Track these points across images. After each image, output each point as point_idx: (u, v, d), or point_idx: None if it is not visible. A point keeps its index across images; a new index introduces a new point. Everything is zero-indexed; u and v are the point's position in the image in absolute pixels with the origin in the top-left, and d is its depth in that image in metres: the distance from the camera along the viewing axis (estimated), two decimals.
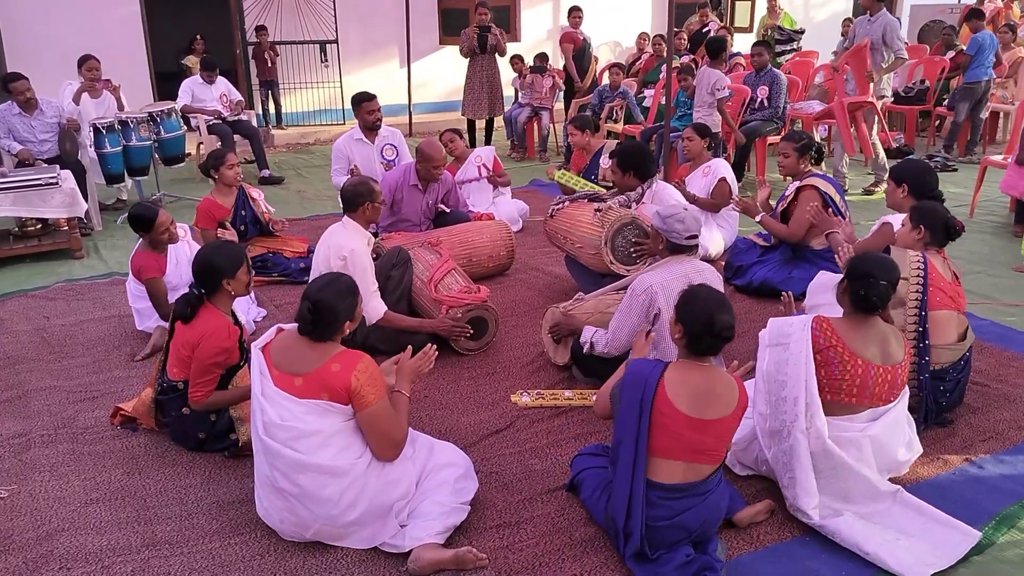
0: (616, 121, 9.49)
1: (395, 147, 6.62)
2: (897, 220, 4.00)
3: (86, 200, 6.50)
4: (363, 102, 6.44)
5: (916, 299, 3.47)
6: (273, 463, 2.75)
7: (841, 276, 3.14)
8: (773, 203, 5.49)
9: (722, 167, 5.97)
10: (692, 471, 2.69)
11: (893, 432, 3.06)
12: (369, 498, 2.77)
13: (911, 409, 3.44)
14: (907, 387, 3.13)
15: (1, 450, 3.55)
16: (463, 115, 9.89)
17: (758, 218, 5.28)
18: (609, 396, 2.89)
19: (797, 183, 5.12)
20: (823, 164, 5.77)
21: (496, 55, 9.62)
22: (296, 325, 2.85)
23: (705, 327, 2.66)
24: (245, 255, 3.50)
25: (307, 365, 2.75)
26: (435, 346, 3.15)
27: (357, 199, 4.23)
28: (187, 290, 3.44)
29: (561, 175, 6.12)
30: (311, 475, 2.71)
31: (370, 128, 6.46)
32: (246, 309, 4.85)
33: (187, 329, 3.36)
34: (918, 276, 3.48)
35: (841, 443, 2.93)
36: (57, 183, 6.12)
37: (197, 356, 3.32)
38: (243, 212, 5.52)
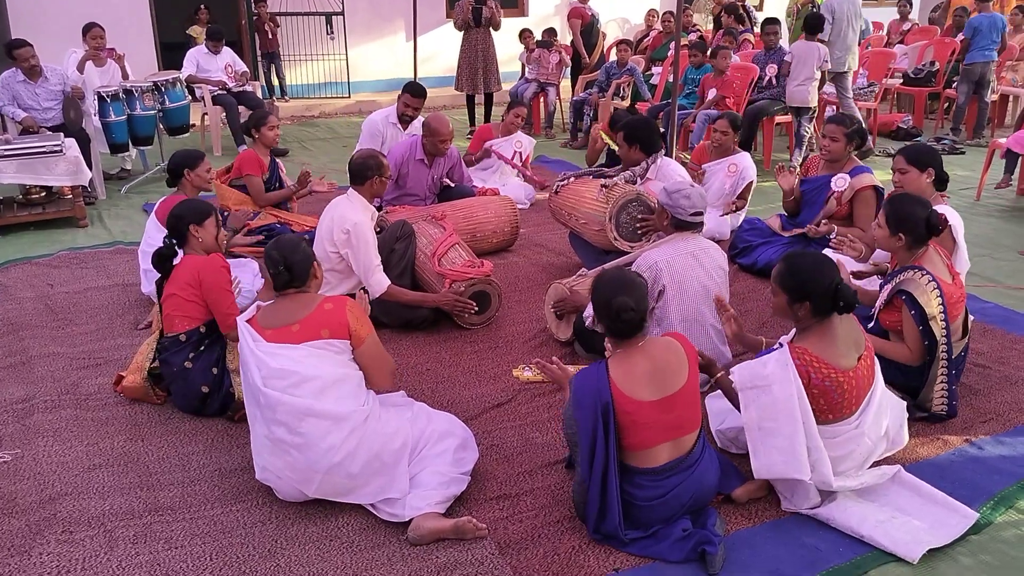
0: (623, 98, 9.42)
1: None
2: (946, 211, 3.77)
3: (90, 169, 6.49)
4: (408, 93, 6.22)
5: (944, 332, 3.32)
6: (274, 416, 2.78)
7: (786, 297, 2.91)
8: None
9: (750, 169, 5.77)
10: (676, 447, 2.70)
11: (880, 410, 3.02)
12: (369, 449, 2.80)
13: (935, 417, 3.45)
14: (876, 361, 3.02)
15: (5, 415, 3.58)
16: (456, 90, 9.76)
17: (811, 230, 4.80)
18: (563, 423, 2.82)
19: (845, 176, 4.81)
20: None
21: (491, 28, 9.50)
22: (274, 301, 2.97)
23: (605, 311, 2.68)
24: (215, 210, 3.72)
25: (302, 312, 2.87)
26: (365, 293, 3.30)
27: (366, 172, 4.22)
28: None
29: (606, 135, 6.03)
30: (313, 421, 2.75)
31: (402, 118, 6.37)
32: (250, 280, 4.85)
33: (176, 276, 3.52)
34: (942, 313, 3.31)
35: (839, 444, 2.88)
36: (61, 151, 6.11)
37: (208, 287, 3.48)
38: (276, 175, 5.73)
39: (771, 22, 8.16)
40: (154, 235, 4.57)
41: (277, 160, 5.87)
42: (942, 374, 3.39)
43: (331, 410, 2.77)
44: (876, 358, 3.03)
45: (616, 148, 5.59)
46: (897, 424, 3.09)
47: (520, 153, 6.91)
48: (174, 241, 3.60)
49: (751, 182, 5.77)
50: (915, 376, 3.42)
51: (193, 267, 3.51)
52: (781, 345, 2.88)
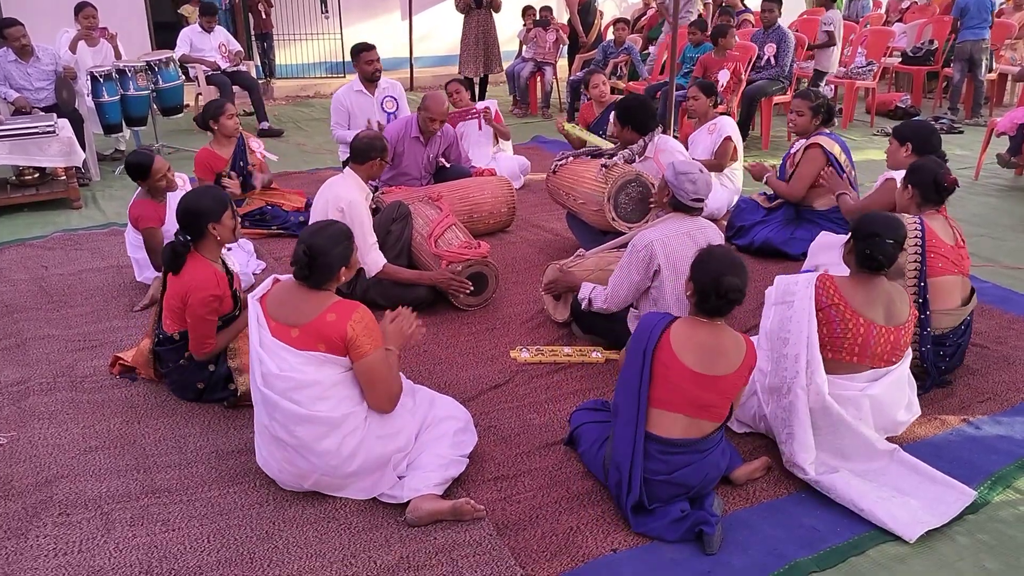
0: (620, 78, 9.36)
1: (395, 99, 6.54)
2: (900, 177, 3.94)
3: (84, 150, 6.44)
4: (361, 52, 6.35)
5: (915, 267, 3.43)
6: (272, 414, 2.75)
7: (846, 236, 3.11)
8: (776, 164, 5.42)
9: (728, 126, 5.89)
10: (693, 427, 2.69)
11: (893, 393, 3.06)
12: (367, 450, 2.77)
13: (914, 376, 3.44)
14: (910, 349, 3.11)
15: (0, 397, 3.56)
16: (460, 73, 9.71)
17: (765, 178, 5.21)
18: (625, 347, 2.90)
19: (804, 141, 5.04)
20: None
21: (491, 10, 9.42)
22: (291, 277, 2.84)
23: (712, 287, 2.66)
24: (230, 199, 3.47)
25: (303, 316, 2.73)
26: (416, 313, 3.07)
27: (370, 152, 4.19)
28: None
29: (572, 127, 6.04)
30: (309, 427, 2.71)
31: (369, 79, 6.36)
32: (245, 262, 4.83)
33: (176, 281, 3.34)
34: (916, 244, 3.43)
35: (840, 401, 2.94)
36: (54, 132, 6.06)
37: (189, 310, 3.30)
38: (241, 163, 5.49)
39: None
40: (133, 237, 4.52)
41: (247, 143, 5.55)
42: (914, 343, 3.40)
43: (328, 417, 2.71)
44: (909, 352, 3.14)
45: (590, 140, 5.58)
46: (903, 420, 3.17)
47: (488, 108, 6.78)
48: (189, 238, 3.35)
49: (728, 137, 5.81)
50: None
51: (187, 284, 3.29)
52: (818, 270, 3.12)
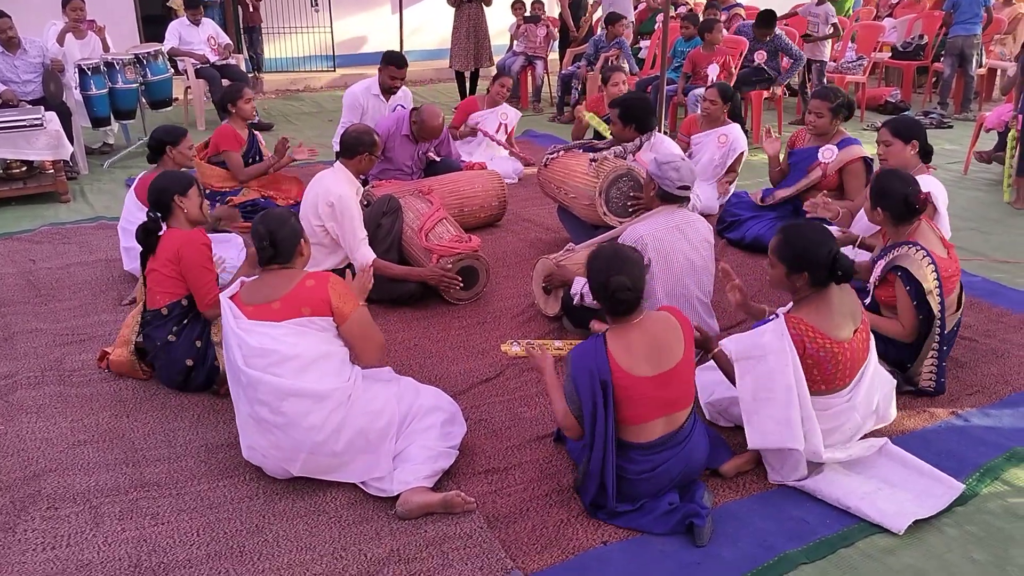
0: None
1: (404, 107, 6.49)
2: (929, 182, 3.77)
3: (72, 143, 6.39)
4: (391, 65, 6.15)
5: (939, 306, 3.32)
6: (255, 395, 2.75)
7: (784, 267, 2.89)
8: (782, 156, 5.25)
9: (741, 140, 5.74)
10: (669, 422, 2.70)
11: (872, 385, 3.03)
12: (353, 427, 2.78)
13: (924, 393, 3.46)
14: (871, 337, 3.03)
15: None
16: (451, 67, 9.68)
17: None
18: (566, 398, 2.76)
19: (832, 147, 4.80)
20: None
21: (482, 4, 9.39)
22: (257, 276, 2.94)
23: (601, 289, 2.65)
24: (196, 181, 3.65)
25: (283, 289, 2.83)
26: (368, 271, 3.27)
27: (358, 147, 4.17)
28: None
29: (592, 117, 5.99)
30: (293, 400, 2.72)
31: (387, 90, 6.31)
32: (236, 255, 4.80)
33: (160, 250, 3.46)
34: (937, 288, 3.30)
35: (831, 416, 2.89)
36: (42, 124, 6.01)
37: (187, 264, 3.42)
38: (254, 148, 5.67)
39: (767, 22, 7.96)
40: (134, 212, 4.51)
41: (256, 133, 5.81)
42: (933, 350, 3.39)
43: (312, 389, 2.74)
44: (871, 333, 3.03)
45: (603, 132, 5.55)
46: (886, 400, 3.10)
47: (505, 125, 6.85)
48: (159, 215, 3.53)
49: (742, 153, 5.73)
50: (906, 350, 3.43)
51: (174, 243, 3.45)
52: (777, 315, 2.88)
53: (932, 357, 3.40)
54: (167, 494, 2.89)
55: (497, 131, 6.81)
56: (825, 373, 2.83)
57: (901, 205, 3.36)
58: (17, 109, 6.31)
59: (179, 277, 3.45)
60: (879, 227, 3.64)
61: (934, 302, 3.30)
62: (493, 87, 6.90)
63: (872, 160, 4.73)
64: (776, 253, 2.89)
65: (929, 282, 3.29)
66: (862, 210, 3.76)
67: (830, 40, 8.90)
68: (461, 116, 6.98)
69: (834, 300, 2.86)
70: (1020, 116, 6.06)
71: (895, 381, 3.20)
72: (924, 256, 3.31)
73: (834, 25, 8.77)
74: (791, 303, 3.01)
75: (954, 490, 2.87)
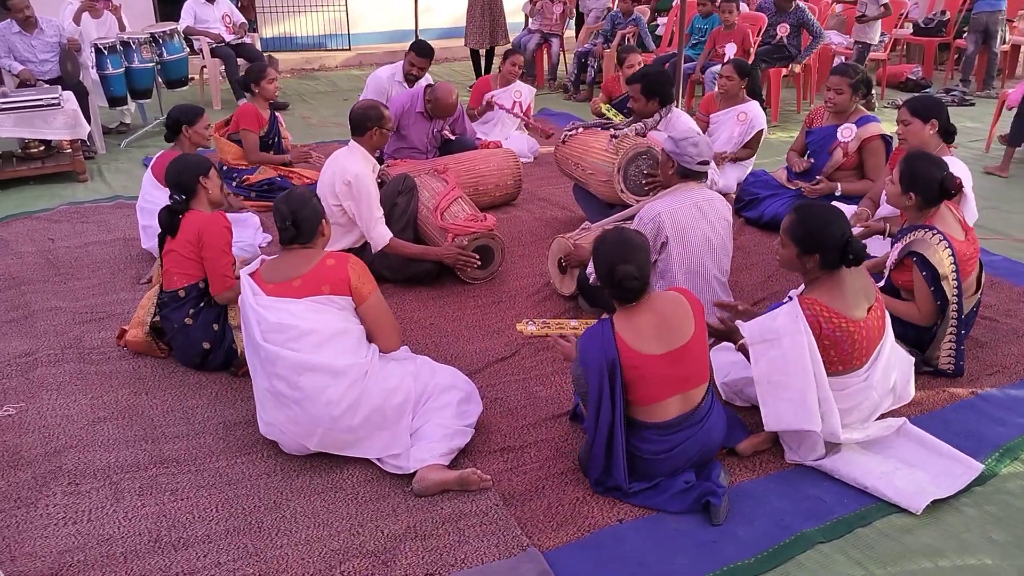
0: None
1: None
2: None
3: (89, 123, 6.41)
4: (413, 52, 6.14)
5: (955, 291, 3.29)
6: (273, 370, 2.77)
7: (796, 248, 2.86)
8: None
9: (760, 117, 5.67)
10: (685, 401, 2.69)
11: (889, 363, 3.00)
12: (369, 403, 2.79)
13: (942, 373, 3.43)
14: (887, 315, 3.00)
15: (8, 368, 3.57)
16: (465, 45, 9.62)
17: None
18: (574, 382, 2.77)
19: (851, 126, 4.77)
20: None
21: None
22: (278, 255, 2.95)
23: (608, 277, 2.63)
24: (214, 164, 3.66)
25: (303, 267, 2.85)
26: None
27: (366, 123, 4.15)
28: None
29: (607, 108, 5.97)
30: (311, 375, 2.74)
31: (409, 78, 6.27)
32: (252, 235, 4.82)
33: (181, 232, 3.47)
34: (954, 272, 3.27)
35: (848, 396, 2.88)
36: (59, 104, 6.03)
37: (207, 246, 3.43)
38: (275, 130, 5.70)
39: None
40: (151, 191, 4.52)
41: (277, 114, 5.82)
42: (951, 333, 3.36)
43: (329, 364, 2.75)
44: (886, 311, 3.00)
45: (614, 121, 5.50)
46: (904, 379, 3.08)
47: (520, 103, 6.81)
48: (183, 196, 3.52)
49: (761, 130, 5.67)
50: (924, 332, 3.41)
51: (195, 224, 3.46)
52: (791, 298, 2.86)
53: (950, 340, 3.37)
54: (186, 470, 2.91)
55: (512, 109, 6.78)
56: (842, 353, 2.81)
57: (935, 190, 3.30)
58: (35, 89, 6.33)
59: (198, 259, 3.47)
60: (901, 211, 3.59)
61: (949, 288, 3.27)
62: (504, 66, 6.85)
63: (891, 138, 4.67)
64: (788, 233, 2.86)
65: (945, 267, 3.25)
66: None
67: (880, 22, 8.62)
68: (477, 96, 6.94)
69: (846, 280, 2.82)
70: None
71: (913, 359, 3.17)
72: (941, 240, 3.27)
73: (885, 5, 8.51)
74: (803, 286, 2.98)
75: (973, 470, 2.85)
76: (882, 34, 9.13)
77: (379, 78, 6.31)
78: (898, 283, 3.45)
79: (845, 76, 4.77)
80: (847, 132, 4.77)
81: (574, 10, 10.06)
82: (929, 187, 3.31)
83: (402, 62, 6.25)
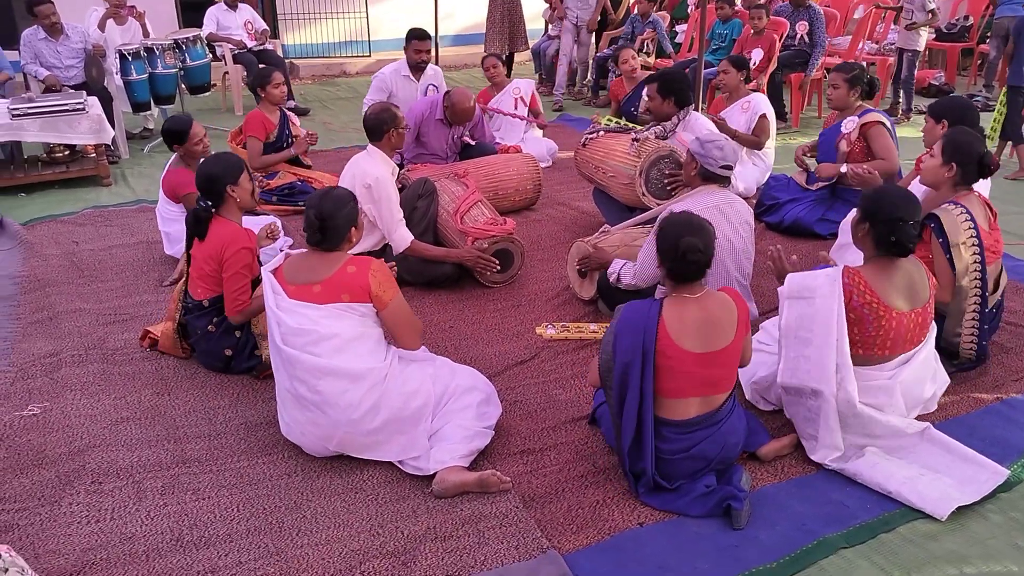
0: (648, 54, 9.24)
1: (436, 87, 6.49)
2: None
3: (113, 128, 6.49)
4: (413, 39, 6.24)
5: (975, 262, 3.27)
6: (293, 372, 2.78)
7: (857, 214, 2.93)
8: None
9: (762, 103, 5.75)
10: (705, 404, 2.68)
11: (922, 372, 3.00)
12: (389, 406, 2.80)
13: (964, 367, 3.40)
14: (933, 324, 3.03)
15: (33, 369, 3.61)
16: (485, 50, 9.64)
17: (844, 168, 4.78)
18: (600, 349, 2.76)
19: (854, 118, 4.81)
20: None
21: None
22: (302, 252, 2.93)
23: (672, 251, 2.63)
24: (245, 164, 3.59)
25: (324, 272, 2.83)
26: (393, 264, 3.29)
27: (381, 126, 4.17)
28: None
29: (607, 120, 5.99)
30: (330, 379, 2.75)
31: (416, 67, 6.33)
32: (279, 246, 4.84)
33: (206, 244, 3.43)
34: (973, 238, 3.26)
35: (871, 391, 2.87)
36: (84, 109, 6.11)
37: (226, 266, 3.38)
38: (286, 132, 5.72)
39: None
40: (165, 204, 4.57)
41: (288, 115, 5.83)
42: (972, 309, 3.31)
43: (349, 368, 2.76)
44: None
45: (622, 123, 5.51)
46: (936, 395, 3.09)
47: (522, 98, 6.77)
48: (210, 203, 3.46)
49: (763, 115, 5.69)
50: (940, 320, 3.37)
51: (220, 240, 3.39)
52: (837, 264, 2.91)
53: (972, 319, 3.32)
54: (208, 470, 2.93)
55: (516, 107, 6.74)
56: (865, 334, 2.82)
57: (975, 164, 3.35)
58: (60, 94, 6.42)
59: (219, 276, 3.43)
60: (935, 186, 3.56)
61: (962, 256, 3.25)
62: (486, 73, 6.84)
63: (891, 122, 4.76)
64: (860, 201, 2.94)
65: (960, 235, 3.24)
66: (916, 180, 3.76)
67: (926, 29, 8.39)
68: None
69: (898, 271, 2.86)
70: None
71: (947, 379, 3.17)
72: (962, 212, 3.29)
73: (931, 11, 8.33)
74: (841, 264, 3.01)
75: (998, 476, 2.81)
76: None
77: (382, 76, 6.39)
78: (919, 257, 3.45)
79: (841, 72, 4.90)
80: (850, 124, 4.89)
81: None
82: (970, 158, 3.35)
83: (403, 59, 6.33)
